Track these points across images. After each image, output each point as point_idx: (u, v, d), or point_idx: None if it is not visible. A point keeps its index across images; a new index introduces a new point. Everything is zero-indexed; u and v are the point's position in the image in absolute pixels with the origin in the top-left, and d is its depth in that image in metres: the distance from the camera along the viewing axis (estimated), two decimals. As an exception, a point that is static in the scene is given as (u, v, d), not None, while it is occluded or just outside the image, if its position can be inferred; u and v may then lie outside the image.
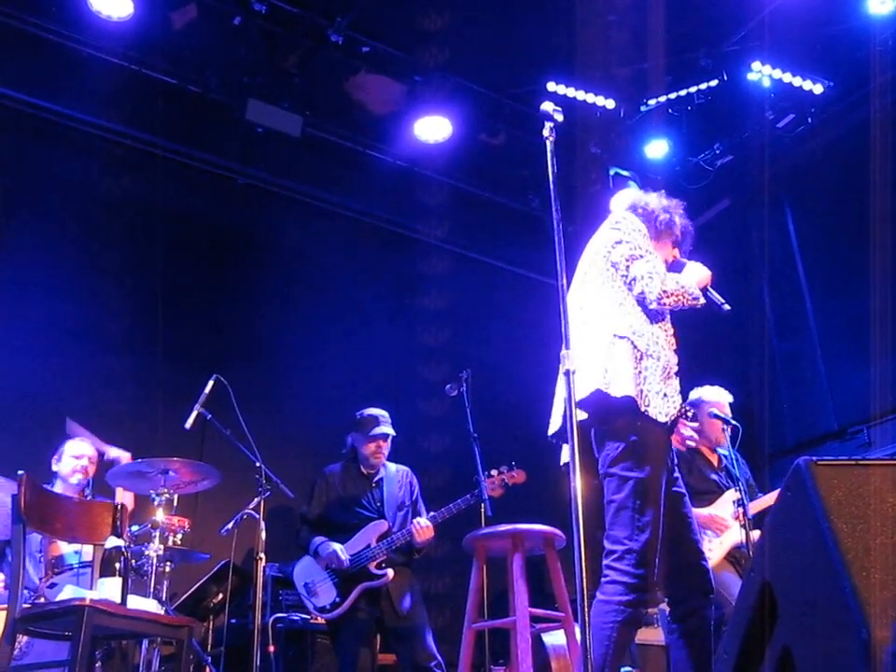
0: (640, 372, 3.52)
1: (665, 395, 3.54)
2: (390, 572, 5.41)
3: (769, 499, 5.56)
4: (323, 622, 5.67)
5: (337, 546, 5.45)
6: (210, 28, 7.18)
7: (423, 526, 5.45)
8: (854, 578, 1.67)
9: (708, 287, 3.87)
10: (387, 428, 5.74)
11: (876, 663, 1.48)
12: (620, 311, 3.67)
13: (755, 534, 5.25)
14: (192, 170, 7.69)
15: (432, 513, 5.54)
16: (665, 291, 3.61)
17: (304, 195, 8.15)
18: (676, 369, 3.68)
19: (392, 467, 5.88)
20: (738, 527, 5.42)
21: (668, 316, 3.81)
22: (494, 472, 5.45)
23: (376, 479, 5.78)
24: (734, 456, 5.63)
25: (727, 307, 3.90)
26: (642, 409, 3.46)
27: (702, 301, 3.77)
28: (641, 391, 3.49)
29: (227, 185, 7.83)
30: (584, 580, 2.87)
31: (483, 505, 5.20)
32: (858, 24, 7.11)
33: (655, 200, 4.12)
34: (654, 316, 3.71)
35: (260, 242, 7.96)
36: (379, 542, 5.47)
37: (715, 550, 5.39)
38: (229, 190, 7.83)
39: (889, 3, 6.87)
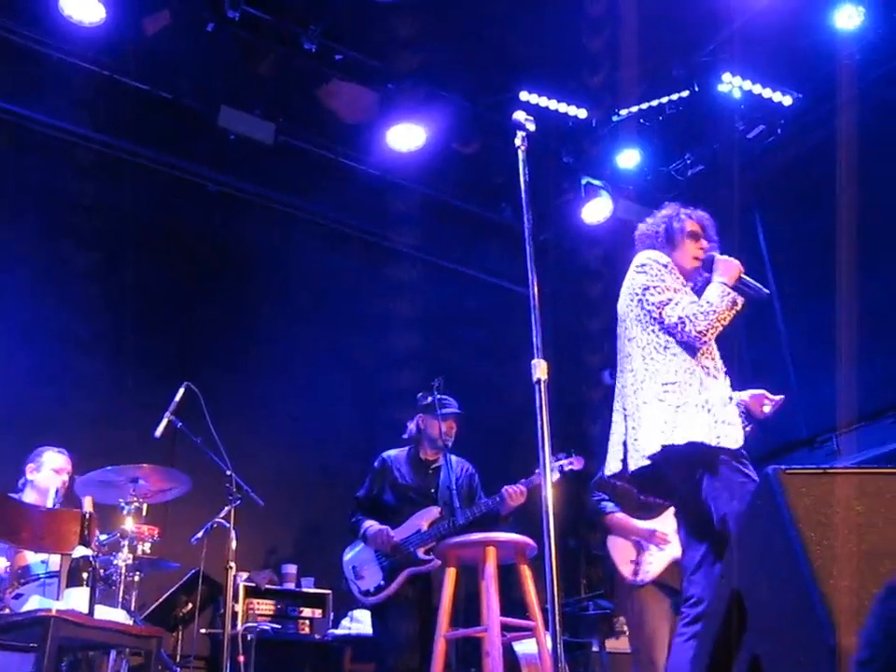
0: (702, 408, 3.57)
1: (729, 423, 3.56)
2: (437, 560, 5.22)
3: None
4: (306, 630, 5.58)
5: (385, 528, 5.32)
6: (183, 34, 7.15)
7: (517, 491, 5.27)
8: (822, 586, 1.68)
9: (742, 276, 3.86)
10: (455, 411, 5.66)
11: (843, 670, 1.49)
12: (665, 356, 3.74)
13: None
14: (164, 176, 7.66)
15: (523, 480, 5.40)
16: (704, 329, 3.67)
17: (276, 202, 8.14)
18: (730, 392, 3.72)
19: (453, 458, 5.65)
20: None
21: (713, 343, 3.82)
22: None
23: (435, 466, 5.64)
24: None
25: (766, 291, 3.91)
26: (713, 444, 3.50)
27: (740, 302, 3.77)
28: (706, 427, 3.53)
29: (199, 191, 7.80)
30: (555, 588, 2.87)
31: (454, 514, 5.17)
32: (825, 38, 7.18)
33: (661, 215, 4.14)
34: (701, 349, 3.74)
35: (232, 249, 7.94)
36: (430, 528, 5.34)
37: (654, 563, 5.43)
38: (201, 197, 7.80)
39: (856, 18, 6.95)
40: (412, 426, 5.71)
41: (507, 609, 4.67)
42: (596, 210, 8.64)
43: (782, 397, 3.92)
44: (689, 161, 8.63)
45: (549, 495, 2.99)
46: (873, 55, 7.18)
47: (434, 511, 5.43)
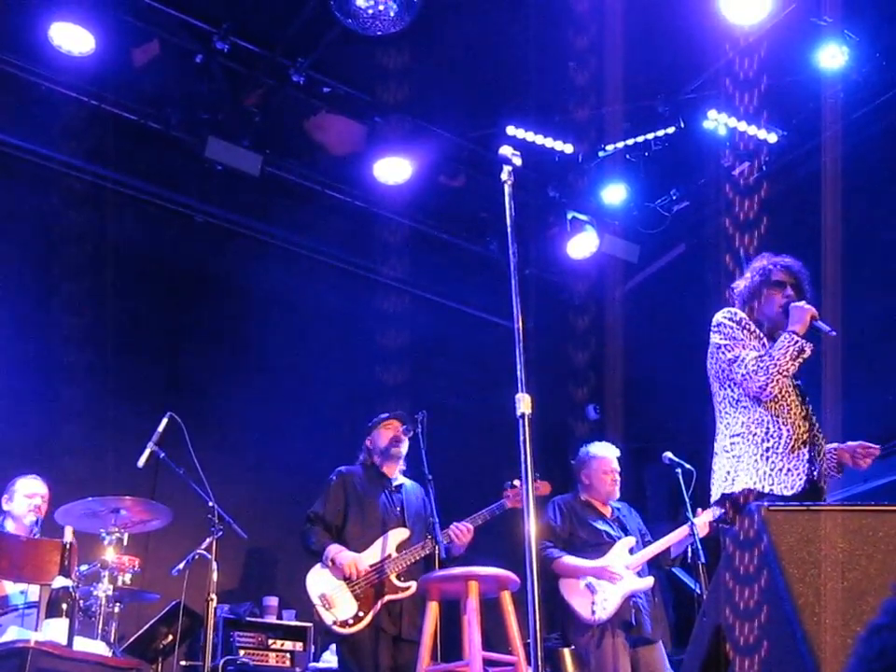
0: (761, 457, 3.78)
1: (788, 470, 3.74)
2: (413, 584, 5.15)
3: (661, 545, 5.76)
4: (287, 663, 5.51)
5: (355, 555, 5.21)
6: (172, 65, 7.18)
7: (462, 530, 5.29)
8: (805, 623, 1.68)
9: (815, 320, 3.99)
10: (398, 413, 5.65)
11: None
12: (736, 409, 3.95)
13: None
14: (150, 206, 7.66)
15: (468, 518, 5.39)
16: (764, 384, 3.84)
17: (262, 234, 8.14)
18: (804, 437, 3.86)
19: (409, 481, 5.69)
20: (632, 575, 5.55)
21: (792, 388, 3.99)
22: (516, 482, 5.33)
23: (396, 485, 5.60)
24: (626, 509, 6.06)
25: (833, 333, 4.01)
26: (766, 491, 3.69)
27: (808, 349, 3.92)
28: (763, 475, 3.74)
29: (185, 222, 7.80)
30: (538, 623, 2.85)
31: (437, 547, 5.12)
32: (810, 77, 7.26)
33: (752, 267, 4.32)
34: (772, 400, 3.89)
35: (217, 280, 7.93)
36: (401, 552, 5.27)
37: (610, 599, 5.45)
38: (186, 228, 7.80)
39: (840, 58, 7.03)
40: (361, 454, 5.74)
41: (488, 643, 4.65)
42: (582, 245, 8.67)
43: (878, 447, 4.13)
44: (675, 197, 8.68)
45: (531, 529, 2.98)
46: (856, 94, 7.26)
47: (404, 533, 5.37)
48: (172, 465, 5.28)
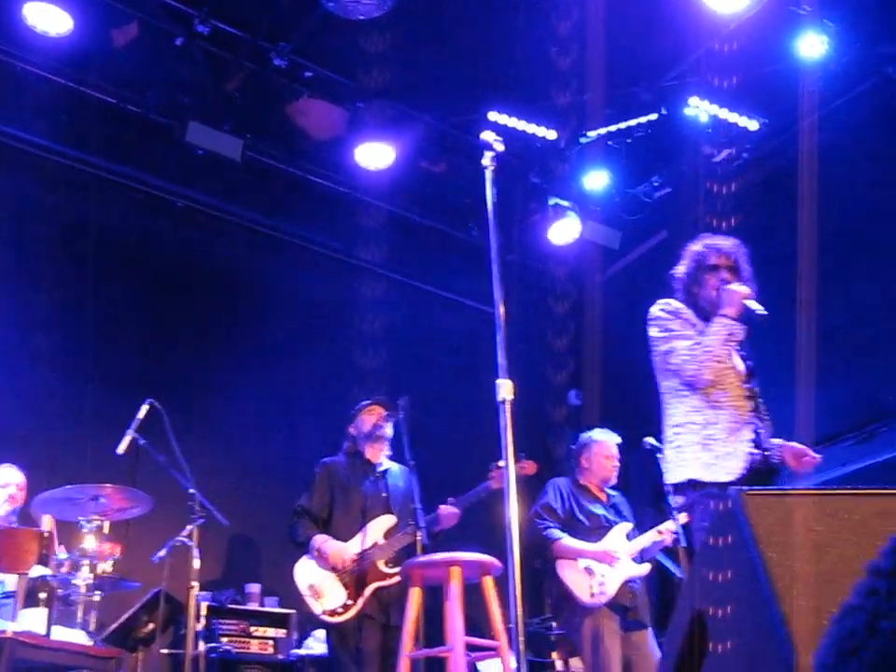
0: (702, 446, 3.81)
1: (728, 454, 3.78)
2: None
3: (652, 535, 5.74)
4: (269, 650, 5.49)
5: (341, 545, 5.22)
6: (151, 48, 7.13)
7: (451, 512, 5.31)
8: (782, 605, 1.69)
9: (746, 302, 3.98)
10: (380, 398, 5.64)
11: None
12: (678, 399, 3.99)
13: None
14: (130, 190, 7.61)
15: (450, 499, 5.41)
16: (695, 372, 3.88)
17: (243, 219, 8.11)
18: (746, 418, 3.89)
19: (394, 464, 5.67)
20: (630, 561, 5.58)
21: (731, 370, 3.98)
22: (502, 463, 5.33)
23: (381, 470, 5.59)
24: (619, 496, 6.07)
25: (765, 314, 4.00)
26: (707, 480, 3.75)
27: (738, 332, 3.94)
28: (704, 464, 3.77)
29: (165, 207, 7.76)
30: (519, 608, 2.86)
31: (419, 533, 5.12)
32: (790, 66, 7.27)
33: (688, 252, 4.29)
34: (712, 385, 3.91)
35: (198, 265, 7.89)
36: (388, 539, 5.27)
37: (608, 583, 5.46)
38: (167, 213, 7.76)
39: (819, 47, 7.05)
40: (345, 441, 5.72)
41: (470, 628, 4.66)
42: (564, 231, 8.67)
43: (820, 457, 4.12)
44: (656, 184, 8.69)
45: (513, 514, 2.99)
46: (836, 83, 7.28)
47: (391, 520, 5.37)
48: (152, 452, 5.26)
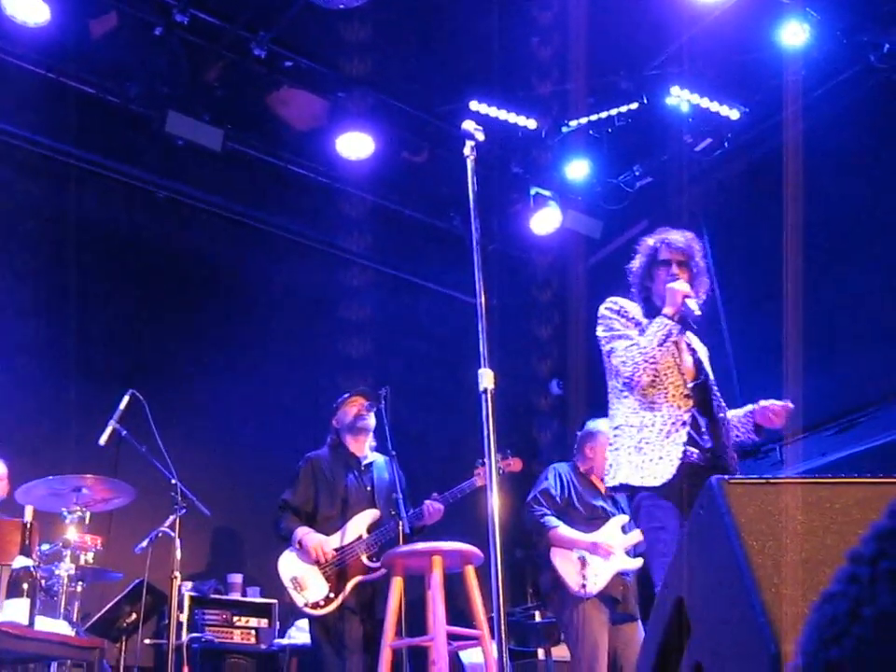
0: (636, 449, 3.83)
1: (661, 458, 3.77)
2: None
3: None
4: (252, 640, 5.47)
5: (322, 537, 5.21)
6: (130, 38, 7.08)
7: (435, 509, 5.30)
8: (763, 594, 1.70)
9: (686, 301, 3.99)
10: (362, 389, 5.63)
11: (783, 678, 1.50)
12: (620, 400, 4.01)
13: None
14: (110, 181, 7.57)
15: (435, 494, 5.40)
16: (631, 374, 3.90)
17: (224, 210, 8.08)
18: (684, 418, 3.86)
19: (379, 456, 5.65)
20: (624, 553, 5.58)
21: (673, 368, 3.98)
22: (486, 467, 5.31)
23: (366, 462, 5.56)
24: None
25: (698, 313, 4.02)
26: (637, 484, 3.77)
27: (675, 333, 3.94)
28: (636, 467, 3.79)
29: (146, 198, 7.72)
30: (501, 597, 2.87)
31: (401, 523, 5.13)
32: (772, 54, 7.30)
33: (641, 248, 4.30)
34: (651, 385, 3.93)
35: (179, 256, 7.86)
36: (371, 533, 5.27)
37: (601, 575, 5.47)
38: (148, 203, 7.72)
39: (801, 35, 7.06)
40: (329, 435, 5.68)
41: (452, 618, 4.67)
42: (545, 220, 8.68)
43: (786, 403, 4.08)
44: (637, 173, 8.71)
45: (494, 503, 2.99)
46: (817, 71, 7.30)
47: (374, 514, 5.36)
48: (134, 443, 5.24)
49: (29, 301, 6.92)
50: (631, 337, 3.99)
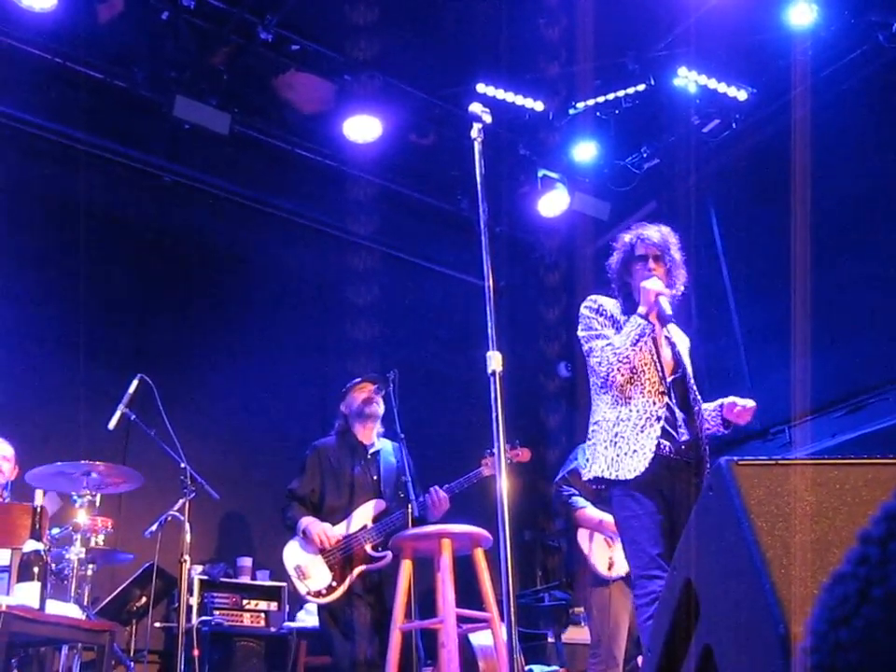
0: (611, 443, 3.92)
1: (635, 451, 3.85)
2: (390, 554, 5.11)
3: None
4: (261, 623, 5.48)
5: (326, 526, 5.20)
6: (137, 22, 7.08)
7: (441, 497, 5.25)
8: (773, 575, 1.70)
9: (659, 299, 4.03)
10: (371, 376, 5.61)
11: (792, 657, 1.50)
12: (599, 395, 4.10)
13: None
14: (118, 166, 7.57)
15: (446, 485, 5.35)
16: (606, 375, 3.98)
17: (232, 194, 8.07)
18: (658, 413, 3.94)
19: (387, 442, 5.62)
20: None
21: (650, 363, 4.04)
22: (495, 450, 5.31)
23: (373, 451, 5.53)
24: None
25: (669, 313, 4.06)
26: (612, 477, 3.85)
27: (649, 331, 3.99)
28: (611, 461, 3.88)
29: (153, 182, 7.72)
30: (510, 580, 2.88)
31: (410, 505, 5.12)
32: (780, 34, 7.26)
33: (619, 244, 4.33)
34: (627, 381, 4.00)
35: (186, 240, 7.87)
36: (377, 523, 5.24)
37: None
38: (155, 187, 7.72)
39: (809, 15, 7.02)
40: (337, 420, 5.64)
41: (462, 600, 4.68)
42: (553, 203, 8.67)
43: (751, 405, 4.11)
44: (645, 155, 8.68)
45: (503, 486, 3.00)
46: (826, 51, 7.27)
47: (380, 504, 5.35)
48: (143, 427, 5.25)
49: (37, 287, 6.93)
50: (607, 336, 4.07)
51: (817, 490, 1.85)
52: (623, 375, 3.96)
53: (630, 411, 3.94)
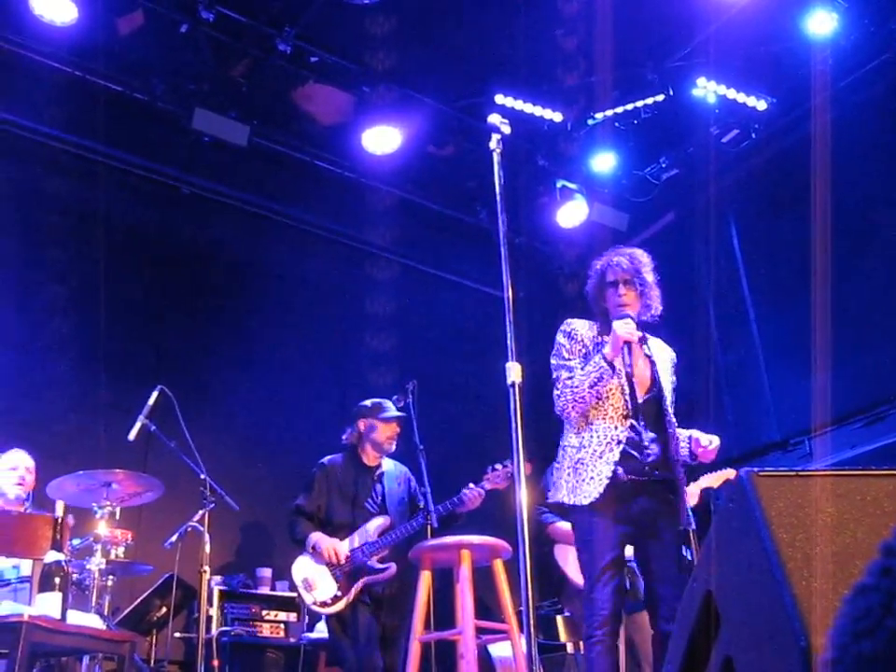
0: (572, 469, 4.05)
1: (591, 478, 3.97)
2: (393, 566, 5.25)
3: None
4: (280, 634, 5.50)
5: (335, 541, 5.29)
6: (157, 35, 7.11)
7: (476, 493, 5.31)
8: (794, 587, 1.69)
9: (630, 343, 4.15)
10: (400, 413, 5.63)
11: (814, 670, 1.49)
12: (568, 422, 4.22)
13: None
14: (137, 178, 7.61)
15: (477, 486, 5.41)
16: (561, 409, 4.15)
17: (251, 205, 8.11)
18: (620, 437, 4.02)
19: (391, 463, 5.71)
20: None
21: (616, 389, 4.11)
22: (499, 466, 5.36)
23: (378, 472, 5.61)
24: None
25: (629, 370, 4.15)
26: (570, 503, 4.02)
27: (606, 378, 4.07)
28: (571, 487, 4.02)
29: (172, 194, 7.76)
30: (530, 591, 2.87)
31: (430, 517, 5.14)
32: (799, 44, 7.23)
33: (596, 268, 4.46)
34: (592, 409, 4.12)
35: (205, 252, 7.90)
36: (381, 538, 5.32)
37: None
38: (173, 199, 7.76)
39: (829, 24, 7.00)
40: (350, 431, 5.67)
41: (481, 611, 4.67)
42: (571, 213, 8.66)
43: (715, 444, 4.19)
44: (664, 165, 8.66)
45: (523, 497, 2.99)
46: (845, 60, 7.24)
47: (384, 521, 5.41)
48: (163, 438, 5.27)
49: (58, 298, 6.97)
50: (572, 369, 4.17)
51: (837, 501, 1.84)
52: (576, 413, 4.10)
53: (591, 436, 4.05)
